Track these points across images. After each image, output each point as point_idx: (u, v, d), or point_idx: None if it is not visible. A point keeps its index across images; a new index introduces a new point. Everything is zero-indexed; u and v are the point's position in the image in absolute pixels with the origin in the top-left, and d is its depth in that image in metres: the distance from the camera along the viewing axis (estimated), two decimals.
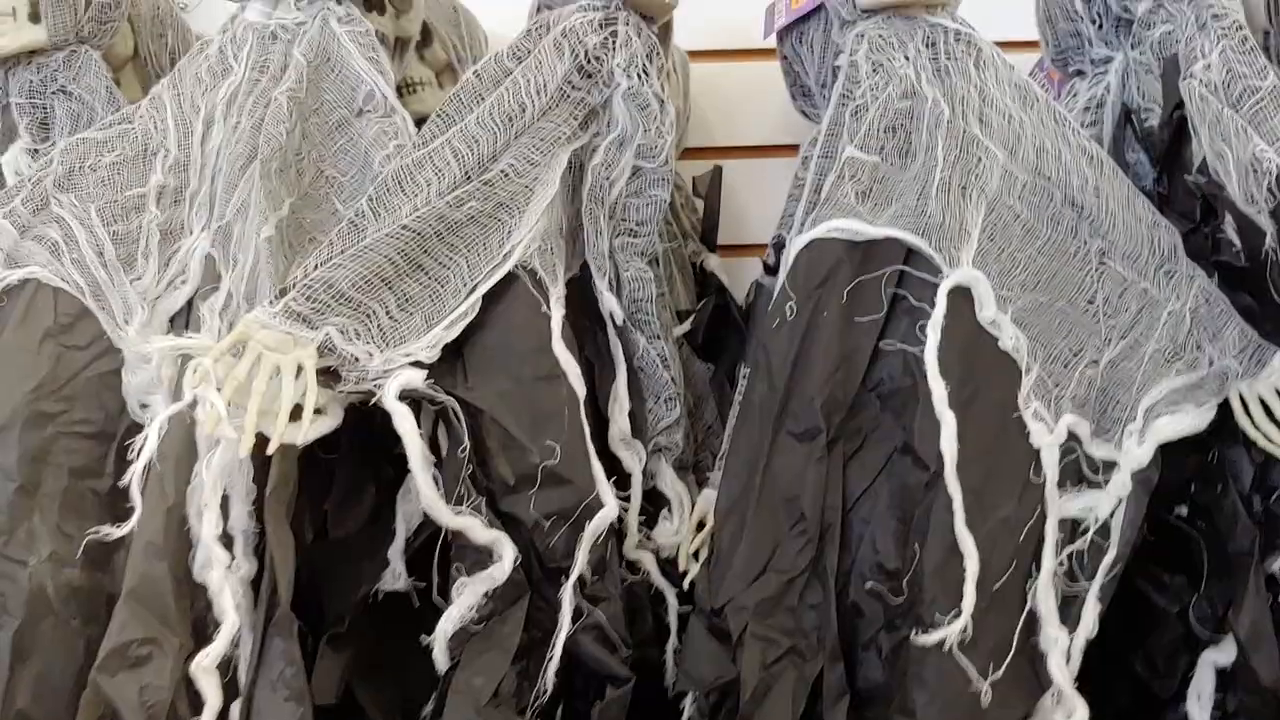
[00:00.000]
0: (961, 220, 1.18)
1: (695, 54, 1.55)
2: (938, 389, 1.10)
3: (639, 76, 1.30)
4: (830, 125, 1.29)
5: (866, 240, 1.17)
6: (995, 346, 1.15)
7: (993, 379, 1.14)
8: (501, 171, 1.21)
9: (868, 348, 1.15)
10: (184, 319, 1.27)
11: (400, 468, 1.12)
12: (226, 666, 1.09)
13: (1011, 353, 1.15)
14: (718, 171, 1.56)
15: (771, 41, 1.69)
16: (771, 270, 1.37)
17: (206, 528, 1.04)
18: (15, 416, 1.16)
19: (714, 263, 1.55)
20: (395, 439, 1.08)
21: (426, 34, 1.61)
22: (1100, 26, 1.43)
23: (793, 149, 1.73)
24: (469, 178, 1.20)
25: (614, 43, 1.30)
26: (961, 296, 1.15)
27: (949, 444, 1.08)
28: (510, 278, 1.19)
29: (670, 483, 1.28)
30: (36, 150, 1.37)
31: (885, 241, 1.17)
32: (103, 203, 1.28)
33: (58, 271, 1.23)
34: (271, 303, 1.09)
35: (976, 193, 1.20)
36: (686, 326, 1.42)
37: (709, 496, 1.27)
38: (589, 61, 1.29)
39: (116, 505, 1.18)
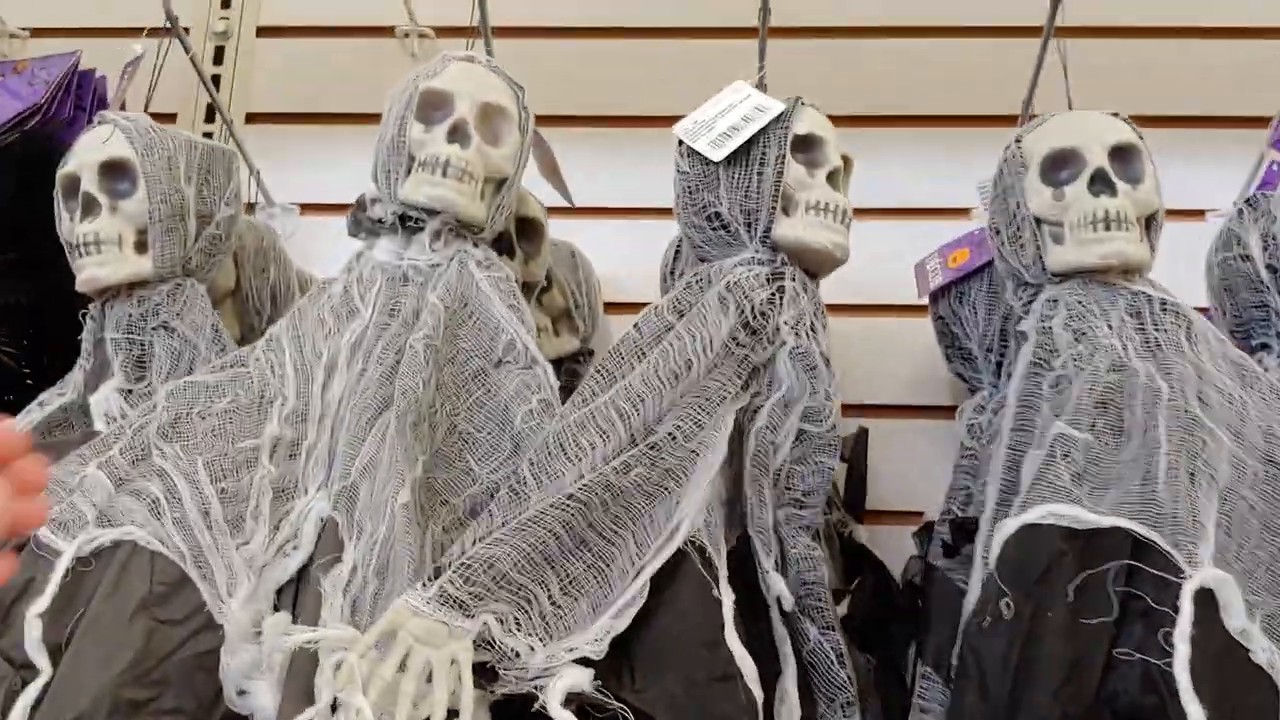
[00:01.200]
0: (1194, 511, 1.04)
1: (834, 308, 1.45)
2: (1194, 712, 0.93)
3: (807, 335, 1.19)
4: (1023, 396, 1.17)
5: (1089, 529, 1.03)
6: (1248, 660, 0.99)
7: (1250, 700, 0.98)
8: (669, 434, 1.08)
9: (1100, 656, 0.99)
10: (293, 591, 1.11)
11: None
12: None
13: (1266, 668, 0.99)
14: (863, 434, 1.43)
15: (906, 297, 1.61)
16: (951, 551, 1.22)
17: None
18: (98, 705, 0.99)
19: (864, 535, 1.40)
20: None
21: (547, 279, 1.51)
22: None
23: (936, 410, 1.63)
24: (634, 441, 1.07)
25: (781, 299, 1.19)
26: (1206, 600, 1.00)
27: None
28: (679, 556, 1.05)
29: None
30: (130, 391, 1.23)
31: (1111, 532, 1.03)
32: (212, 455, 1.14)
33: (156, 532, 1.08)
34: (425, 585, 0.93)
35: (1206, 480, 1.06)
36: (843, 609, 1.26)
37: None
38: (755, 318, 1.17)
39: None
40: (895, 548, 1.43)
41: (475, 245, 1.27)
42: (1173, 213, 1.44)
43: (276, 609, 1.10)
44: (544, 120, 1.40)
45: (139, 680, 1.02)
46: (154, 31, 1.51)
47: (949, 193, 1.68)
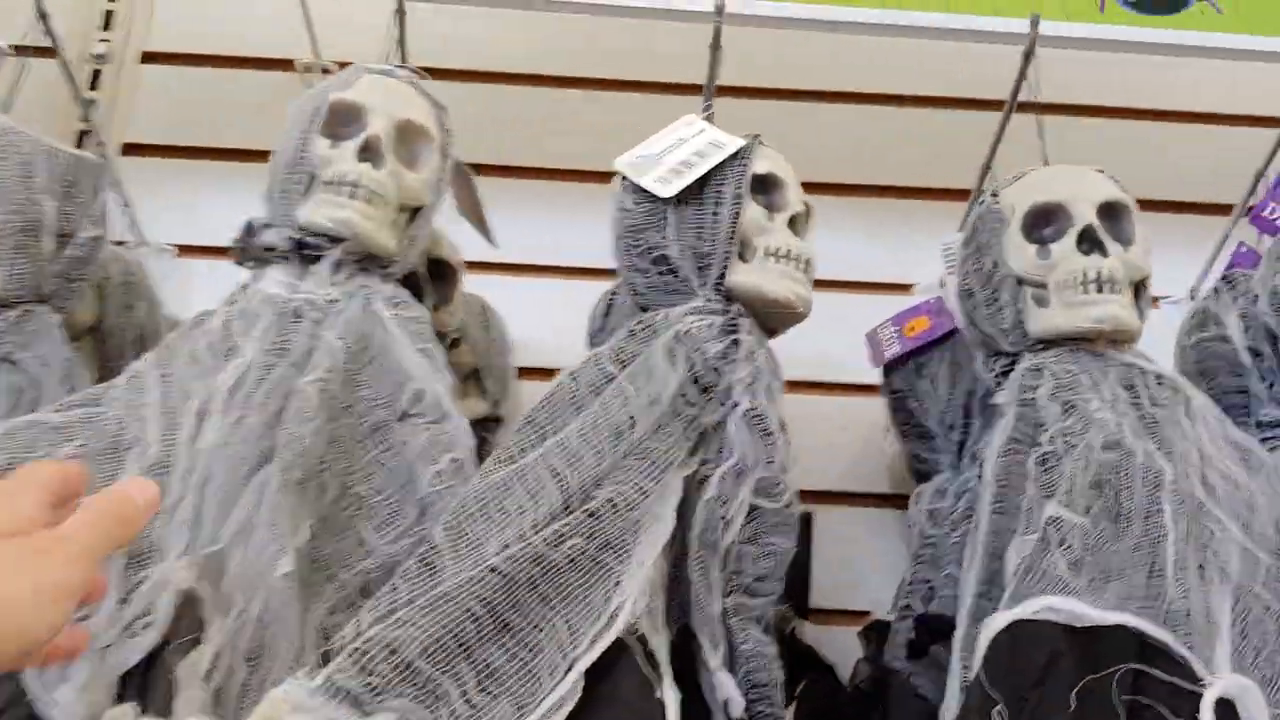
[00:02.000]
0: (1207, 608, 0.92)
1: None
2: None
3: (763, 395, 1.04)
4: (1002, 475, 1.03)
5: (1091, 627, 0.89)
6: None
7: None
8: (609, 500, 0.92)
9: None
10: (140, 680, 0.90)
11: None
12: None
13: None
14: (808, 519, 1.28)
15: (851, 374, 1.48)
16: (915, 654, 1.07)
17: None
18: None
19: (810, 632, 1.24)
20: None
21: (455, 334, 1.34)
22: (1272, 385, 1.23)
23: (881, 499, 1.50)
24: (569, 507, 0.90)
25: (735, 354, 1.05)
26: (1226, 710, 0.86)
27: None
28: (618, 647, 0.88)
29: None
30: None
31: (1116, 631, 0.89)
32: None
33: None
34: (310, 673, 0.75)
35: (1218, 575, 0.94)
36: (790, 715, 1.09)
37: None
38: (707, 373, 1.03)
39: None
40: (838, 648, 1.27)
41: (383, 281, 1.10)
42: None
43: (120, 699, 0.90)
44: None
45: None
46: (23, 48, 1.34)
47: (895, 267, 1.57)
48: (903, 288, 1.52)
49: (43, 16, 1.31)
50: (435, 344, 1.09)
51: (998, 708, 0.87)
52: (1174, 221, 1.63)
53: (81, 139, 1.59)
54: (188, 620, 0.89)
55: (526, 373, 1.51)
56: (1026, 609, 0.91)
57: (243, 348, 1.05)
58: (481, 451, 1.19)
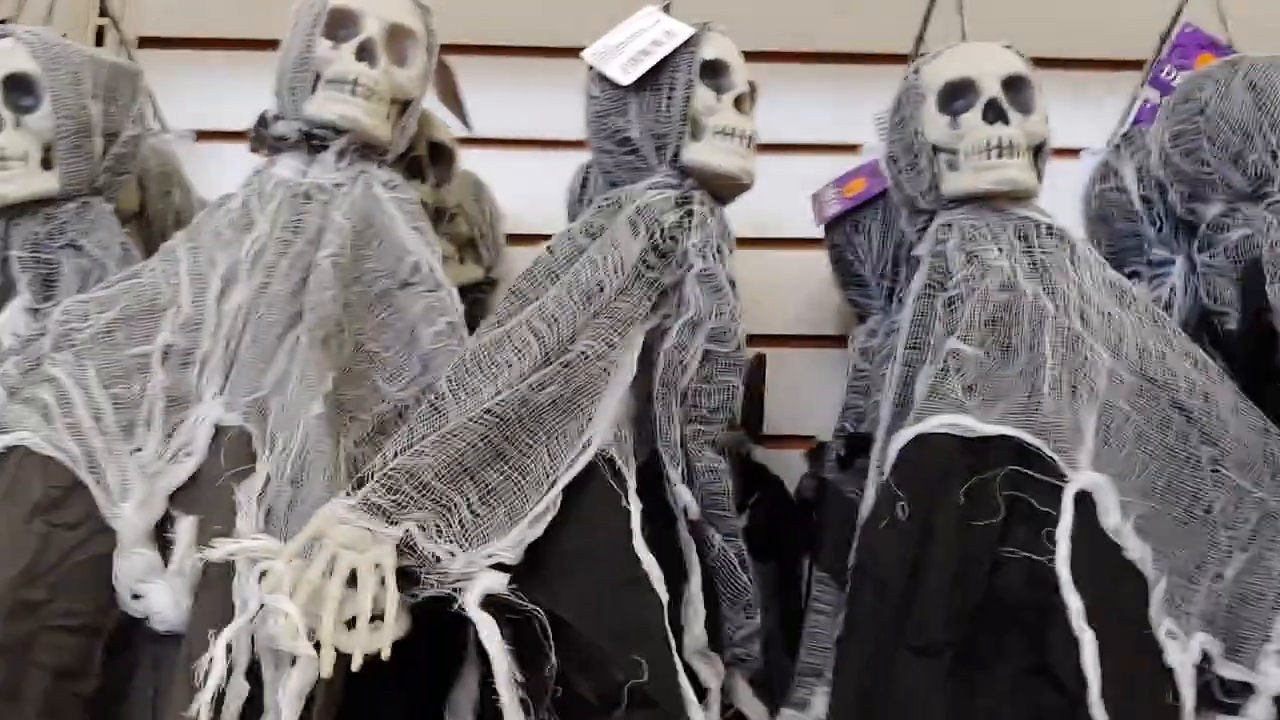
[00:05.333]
0: (1075, 421, 1.12)
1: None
2: (1074, 603, 1.01)
3: (714, 258, 1.22)
4: (916, 315, 1.22)
5: (980, 437, 1.09)
6: (1122, 557, 1.07)
7: (1123, 593, 1.06)
8: (581, 353, 1.11)
9: (988, 554, 1.05)
10: (188, 497, 1.11)
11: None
12: None
13: (1138, 564, 1.07)
14: (761, 360, 1.48)
15: (800, 230, 1.66)
16: (844, 466, 1.28)
17: None
18: (4, 606, 1.00)
19: (760, 454, 1.45)
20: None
21: (455, 208, 1.52)
22: (1160, 229, 1.41)
23: (828, 339, 1.69)
24: (549, 360, 1.09)
25: (690, 222, 1.23)
26: (1084, 502, 1.07)
27: (1091, 665, 0.99)
28: (590, 469, 1.08)
29: (748, 702, 1.15)
30: (37, 310, 1.21)
31: (1000, 440, 1.09)
32: (102, 362, 1.14)
33: (48, 437, 1.09)
34: (349, 494, 0.95)
35: (1087, 393, 1.14)
36: (743, 522, 1.30)
37: (791, 718, 1.15)
38: (664, 241, 1.21)
39: (102, 712, 1.04)
40: (789, 469, 1.48)
41: (379, 166, 1.28)
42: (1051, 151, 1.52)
43: (167, 515, 1.11)
44: (447, 49, 1.41)
45: (34, 583, 1.04)
46: None
47: (842, 129, 1.73)
48: (851, 148, 1.69)
49: None
50: (426, 221, 1.27)
51: (901, 503, 1.08)
52: (1098, 78, 1.79)
53: (100, 33, 1.74)
54: (242, 453, 1.10)
55: (513, 239, 1.69)
56: (928, 425, 1.11)
57: (258, 223, 1.23)
58: (480, 310, 1.39)
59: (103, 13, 1.72)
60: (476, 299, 1.55)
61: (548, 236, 1.26)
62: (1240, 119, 1.30)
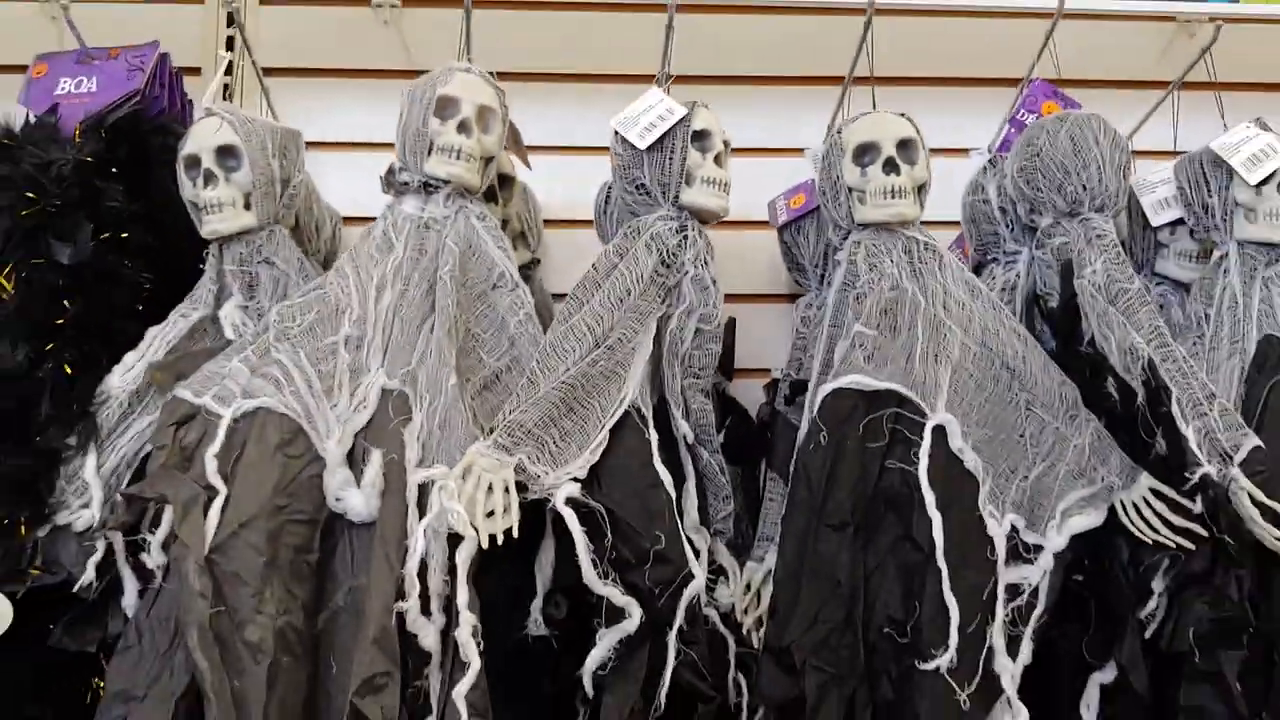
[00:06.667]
0: (936, 379, 1.73)
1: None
2: (929, 496, 1.63)
3: (702, 265, 1.82)
4: (836, 304, 1.83)
5: (874, 391, 1.70)
6: (962, 466, 1.69)
7: (962, 489, 1.67)
8: (619, 338, 1.71)
9: (877, 465, 1.67)
10: (364, 435, 1.70)
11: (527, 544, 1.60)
12: (417, 695, 1.54)
13: (973, 471, 1.69)
14: (732, 322, 2.08)
15: (763, 215, 2.25)
16: (789, 402, 1.89)
17: (461, 597, 1.49)
18: (261, 510, 1.59)
19: (732, 389, 2.07)
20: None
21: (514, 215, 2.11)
22: (1012, 230, 2.02)
23: (782, 298, 2.30)
24: (597, 345, 1.70)
25: (686, 243, 1.82)
26: (939, 432, 1.69)
27: (938, 534, 1.61)
28: (625, 415, 1.68)
29: (725, 558, 1.79)
30: (246, 306, 1.80)
31: (886, 392, 1.70)
32: (309, 349, 1.72)
33: (281, 401, 1.66)
34: (483, 438, 1.56)
35: (944, 359, 1.75)
36: (721, 440, 1.92)
37: (752, 568, 1.79)
38: (669, 256, 1.80)
39: (321, 572, 1.63)
40: (753, 395, 2.10)
41: (473, 203, 1.85)
42: (951, 150, 2.13)
43: (356, 447, 1.70)
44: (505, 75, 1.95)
45: (279, 493, 1.60)
46: None
47: (791, 137, 2.30)
48: (796, 150, 2.26)
49: None
50: (506, 240, 1.85)
51: (823, 432, 1.69)
52: (982, 93, 2.36)
53: (230, 66, 2.28)
54: (403, 407, 1.68)
55: (549, 223, 2.28)
56: (841, 381, 1.71)
57: (396, 247, 1.81)
58: (530, 283, 1.97)
59: (228, 47, 2.26)
60: (525, 274, 2.13)
61: (572, 220, 1.97)
62: (1062, 161, 1.90)
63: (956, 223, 2.20)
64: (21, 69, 2.04)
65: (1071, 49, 2.23)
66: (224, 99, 2.16)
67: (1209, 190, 1.94)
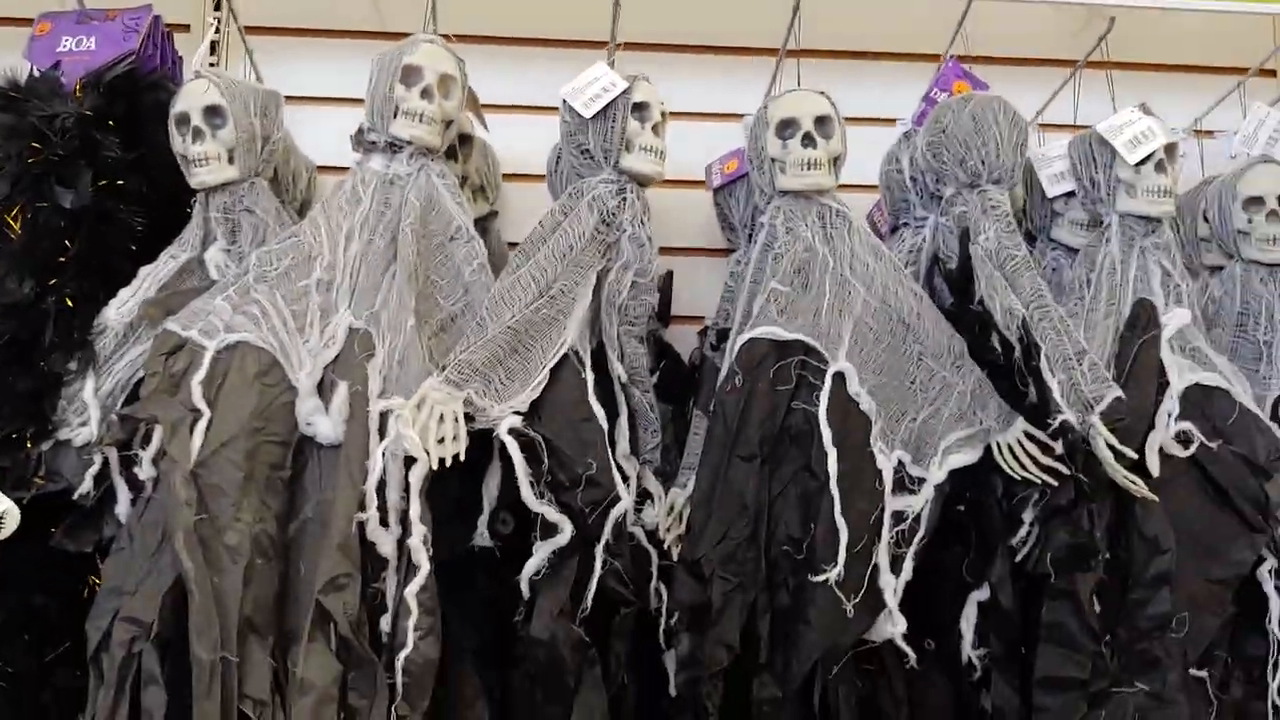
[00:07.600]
0: (839, 331, 1.96)
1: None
2: (826, 434, 1.87)
3: (638, 225, 2.03)
4: (757, 263, 2.06)
5: (784, 340, 1.93)
6: (858, 409, 1.92)
7: (856, 428, 1.91)
8: (561, 289, 1.93)
9: (784, 405, 1.90)
10: (332, 368, 1.92)
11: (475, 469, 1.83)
12: (375, 595, 1.78)
13: (868, 412, 1.92)
14: (669, 275, 2.31)
15: (701, 175, 2.47)
16: (715, 348, 2.13)
17: (414, 510, 1.72)
18: (241, 430, 1.80)
19: (668, 335, 2.30)
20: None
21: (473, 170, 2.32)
22: (921, 197, 2.24)
23: (716, 251, 2.52)
24: (541, 294, 1.91)
25: (624, 204, 2.03)
26: (839, 377, 1.92)
27: (833, 466, 1.85)
28: (564, 357, 1.91)
29: (652, 483, 2.02)
30: (229, 250, 2.01)
31: (795, 342, 1.93)
32: (284, 290, 1.93)
33: (259, 336, 1.87)
34: (436, 374, 1.78)
35: (847, 314, 1.98)
36: (654, 380, 2.15)
37: (676, 492, 2.03)
38: (609, 216, 2.01)
39: (292, 487, 1.85)
40: (689, 342, 2.33)
41: (434, 161, 2.06)
42: (878, 119, 2.34)
43: (325, 379, 1.92)
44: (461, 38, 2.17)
45: (256, 417, 1.81)
46: None
47: (731, 103, 2.51)
48: (736, 116, 2.46)
49: None
50: (463, 195, 2.06)
51: (738, 375, 1.92)
52: (912, 67, 2.58)
53: (218, 23, 2.46)
54: (367, 344, 1.90)
55: (507, 177, 2.49)
56: (756, 332, 1.94)
57: (363, 200, 2.02)
58: (485, 235, 2.19)
59: (216, 7, 2.45)
60: (483, 226, 2.35)
61: (528, 175, 2.18)
62: (965, 138, 2.12)
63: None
64: (26, 23, 2.22)
65: (990, 29, 2.44)
66: (210, 55, 2.35)
67: (1096, 167, 2.16)
